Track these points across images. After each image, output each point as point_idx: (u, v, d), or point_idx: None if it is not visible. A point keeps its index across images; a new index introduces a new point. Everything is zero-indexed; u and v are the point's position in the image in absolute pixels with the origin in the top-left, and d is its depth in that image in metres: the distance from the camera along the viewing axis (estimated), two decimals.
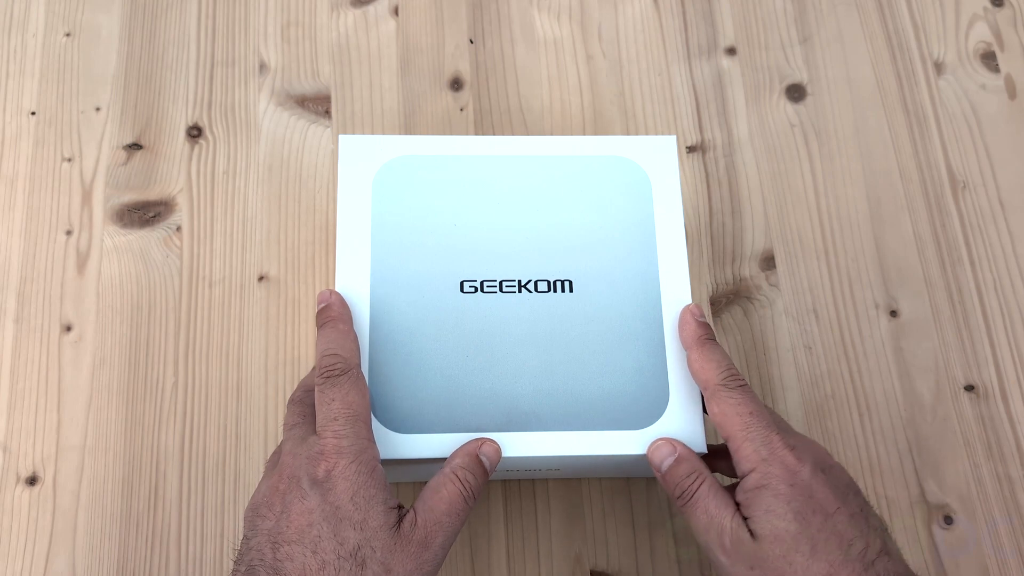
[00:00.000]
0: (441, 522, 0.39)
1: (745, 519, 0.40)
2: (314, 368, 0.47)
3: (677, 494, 0.42)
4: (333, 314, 0.44)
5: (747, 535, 0.39)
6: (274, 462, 0.42)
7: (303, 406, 0.43)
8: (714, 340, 0.44)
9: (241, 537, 0.40)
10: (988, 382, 0.56)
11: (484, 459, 0.42)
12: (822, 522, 0.38)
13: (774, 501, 0.39)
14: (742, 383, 0.42)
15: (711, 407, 0.42)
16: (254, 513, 0.39)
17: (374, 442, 0.40)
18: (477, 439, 0.42)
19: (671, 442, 0.43)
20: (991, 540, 0.53)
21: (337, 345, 0.42)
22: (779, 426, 0.42)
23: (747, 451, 0.40)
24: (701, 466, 0.42)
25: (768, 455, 0.40)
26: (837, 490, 0.40)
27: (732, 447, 0.41)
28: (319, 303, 0.45)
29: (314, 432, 0.41)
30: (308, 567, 0.36)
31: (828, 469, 0.41)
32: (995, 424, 0.55)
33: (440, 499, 0.40)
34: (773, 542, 0.38)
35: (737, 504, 0.41)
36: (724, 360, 0.43)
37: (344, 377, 0.41)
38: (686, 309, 0.45)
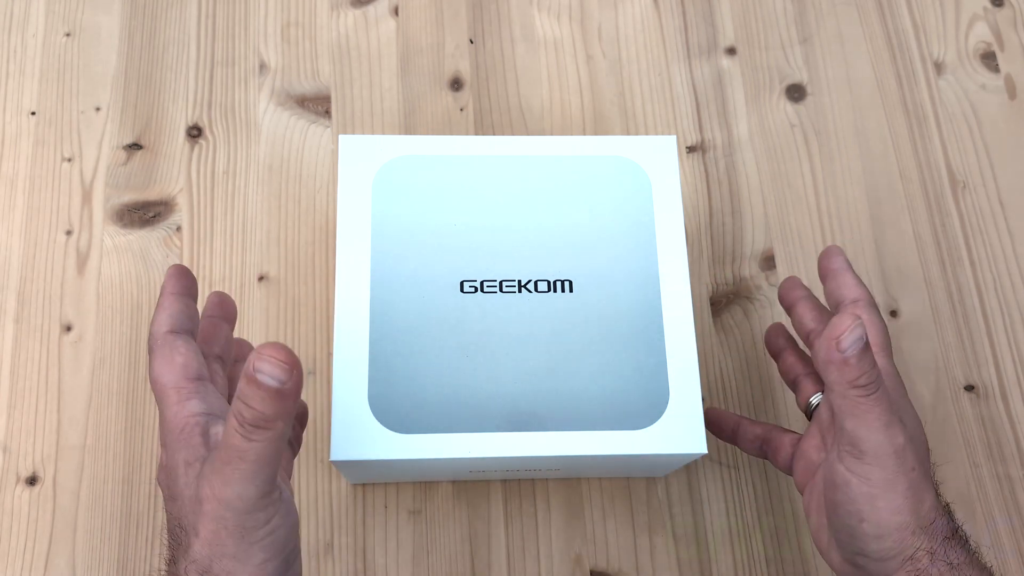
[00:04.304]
0: (222, 472, 0.33)
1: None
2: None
3: (863, 382, 0.37)
4: (161, 289, 0.41)
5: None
6: None
7: None
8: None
9: None
10: (988, 382, 0.56)
11: (265, 379, 0.31)
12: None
13: (915, 411, 0.42)
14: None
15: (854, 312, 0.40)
16: None
17: (191, 398, 0.37)
18: (259, 348, 0.32)
19: (861, 322, 0.37)
20: (991, 540, 0.53)
21: (151, 322, 0.40)
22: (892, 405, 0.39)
23: (882, 362, 0.42)
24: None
25: (898, 376, 0.43)
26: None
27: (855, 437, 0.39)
28: None
29: None
30: (167, 550, 0.37)
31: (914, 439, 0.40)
32: (995, 424, 0.55)
33: (220, 446, 0.34)
34: (921, 446, 0.41)
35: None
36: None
37: (151, 355, 0.39)
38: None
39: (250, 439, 0.32)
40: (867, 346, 0.37)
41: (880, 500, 0.38)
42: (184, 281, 0.41)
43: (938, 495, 0.40)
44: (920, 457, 0.39)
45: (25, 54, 0.61)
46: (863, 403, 0.37)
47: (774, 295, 0.57)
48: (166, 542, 0.37)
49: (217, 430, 0.37)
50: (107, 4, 0.62)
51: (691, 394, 0.44)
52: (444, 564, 0.51)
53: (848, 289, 0.45)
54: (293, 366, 0.32)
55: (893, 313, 0.58)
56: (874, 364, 0.37)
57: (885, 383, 0.38)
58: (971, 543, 0.40)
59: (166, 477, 0.37)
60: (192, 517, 0.35)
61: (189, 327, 0.40)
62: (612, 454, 0.43)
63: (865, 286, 0.45)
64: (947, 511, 0.40)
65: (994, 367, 0.56)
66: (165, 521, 0.38)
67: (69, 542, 0.50)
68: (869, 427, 0.38)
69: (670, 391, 0.44)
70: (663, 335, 0.45)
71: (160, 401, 0.38)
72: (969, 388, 0.56)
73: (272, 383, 0.31)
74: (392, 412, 0.43)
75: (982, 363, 0.57)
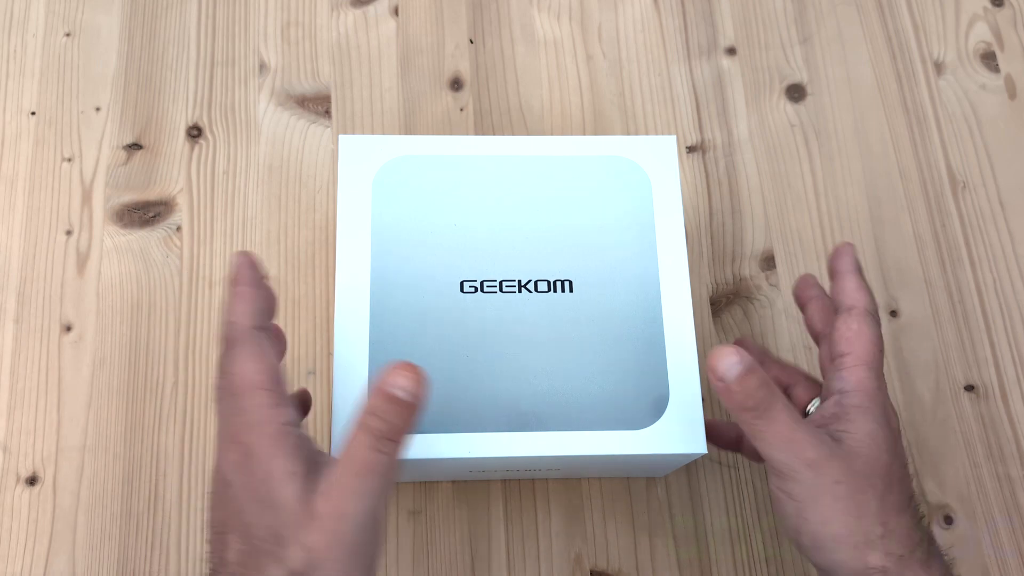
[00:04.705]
0: (350, 486, 0.34)
1: (835, 429, 0.39)
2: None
3: (749, 405, 0.37)
4: (233, 276, 0.40)
5: (835, 442, 0.38)
6: None
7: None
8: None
9: None
10: (988, 382, 0.56)
11: (399, 392, 0.35)
12: (902, 468, 0.39)
13: (876, 427, 0.39)
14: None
15: (843, 322, 0.42)
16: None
17: (281, 405, 0.37)
18: (387, 367, 0.35)
19: (737, 350, 0.37)
20: (991, 540, 0.53)
21: (228, 311, 0.39)
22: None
23: (860, 375, 0.40)
24: (769, 377, 0.38)
25: (877, 390, 0.40)
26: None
27: (842, 363, 0.40)
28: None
29: None
30: (241, 551, 0.35)
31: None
32: (995, 424, 0.55)
33: (347, 460, 0.35)
34: (866, 462, 0.38)
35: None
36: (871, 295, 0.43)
37: (234, 348, 0.37)
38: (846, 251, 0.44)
39: (381, 451, 0.34)
40: (748, 370, 0.37)
41: (808, 513, 0.38)
42: (256, 273, 0.40)
43: (902, 510, 0.39)
44: (853, 470, 0.38)
45: (25, 54, 0.61)
46: (757, 424, 0.38)
47: (774, 295, 0.57)
48: (208, 539, 0.36)
49: (306, 444, 0.36)
50: (107, 4, 0.62)
51: (691, 394, 0.44)
52: (444, 564, 0.51)
53: (847, 295, 0.43)
54: (423, 380, 0.35)
55: (893, 313, 0.58)
56: (761, 385, 0.37)
57: (782, 400, 0.38)
58: (939, 558, 0.39)
59: (244, 477, 0.35)
60: (295, 528, 0.34)
61: (268, 325, 0.39)
62: (612, 454, 0.43)
63: (867, 289, 0.43)
64: (913, 524, 0.39)
65: (994, 367, 0.56)
66: (208, 520, 0.37)
67: (69, 542, 0.50)
68: (770, 446, 0.38)
69: (670, 391, 0.44)
70: (663, 335, 0.45)
71: (243, 398, 0.36)
72: (969, 388, 0.56)
73: (407, 397, 0.35)
74: None
75: (982, 363, 0.57)
